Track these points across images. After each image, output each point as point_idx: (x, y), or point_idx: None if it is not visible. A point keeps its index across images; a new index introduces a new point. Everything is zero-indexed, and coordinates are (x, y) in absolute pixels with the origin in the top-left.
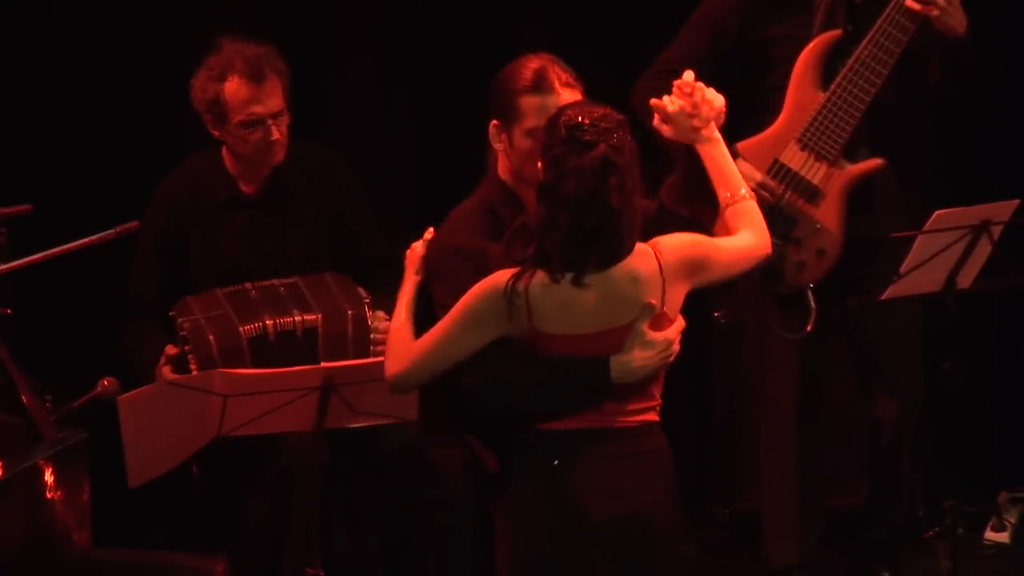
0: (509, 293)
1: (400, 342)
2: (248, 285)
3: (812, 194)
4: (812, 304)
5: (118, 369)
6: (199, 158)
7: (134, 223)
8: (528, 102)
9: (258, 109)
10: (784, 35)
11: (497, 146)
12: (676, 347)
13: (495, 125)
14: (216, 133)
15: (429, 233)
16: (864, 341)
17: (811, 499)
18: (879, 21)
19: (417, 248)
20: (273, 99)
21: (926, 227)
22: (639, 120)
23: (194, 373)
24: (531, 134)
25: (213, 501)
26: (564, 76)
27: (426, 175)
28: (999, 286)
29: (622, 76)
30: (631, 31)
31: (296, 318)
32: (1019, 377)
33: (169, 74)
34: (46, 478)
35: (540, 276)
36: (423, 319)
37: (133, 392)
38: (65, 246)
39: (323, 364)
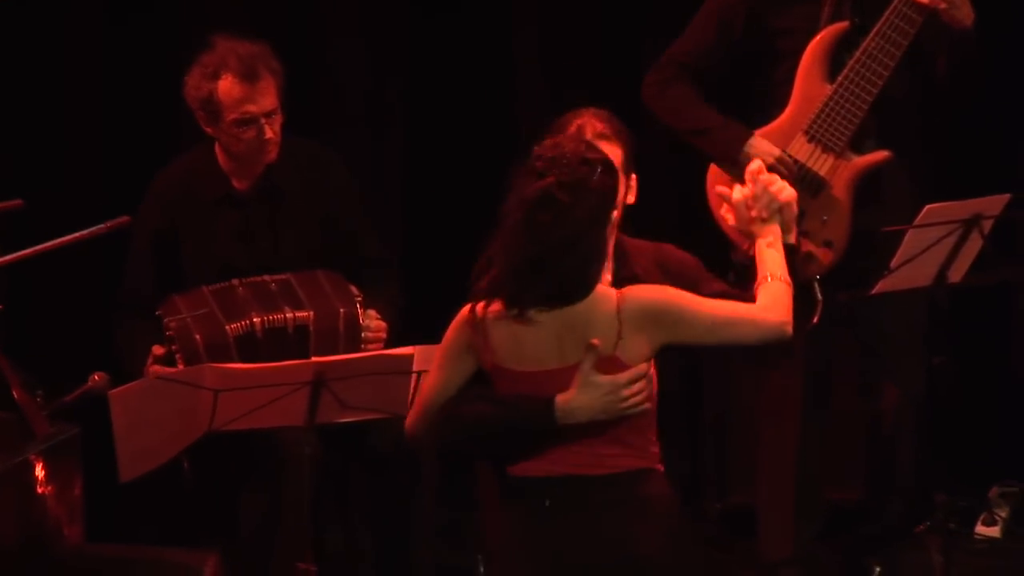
0: (472, 322)
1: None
2: (236, 282)
3: (819, 186)
4: (819, 296)
5: (109, 364)
6: (192, 155)
7: (125, 218)
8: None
9: (251, 108)
10: (791, 27)
11: None
12: (634, 397)
13: None
14: (209, 130)
15: None
16: (867, 334)
17: (809, 493)
18: (886, 13)
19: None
20: (267, 98)
21: (916, 221)
22: (649, 114)
23: None
24: None
25: (204, 496)
26: (600, 128)
27: (418, 176)
28: (990, 280)
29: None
30: (623, 33)
31: (287, 315)
32: (1010, 372)
33: (162, 68)
34: (37, 473)
35: (495, 308)
36: None
37: (124, 387)
38: (56, 241)
39: (313, 359)
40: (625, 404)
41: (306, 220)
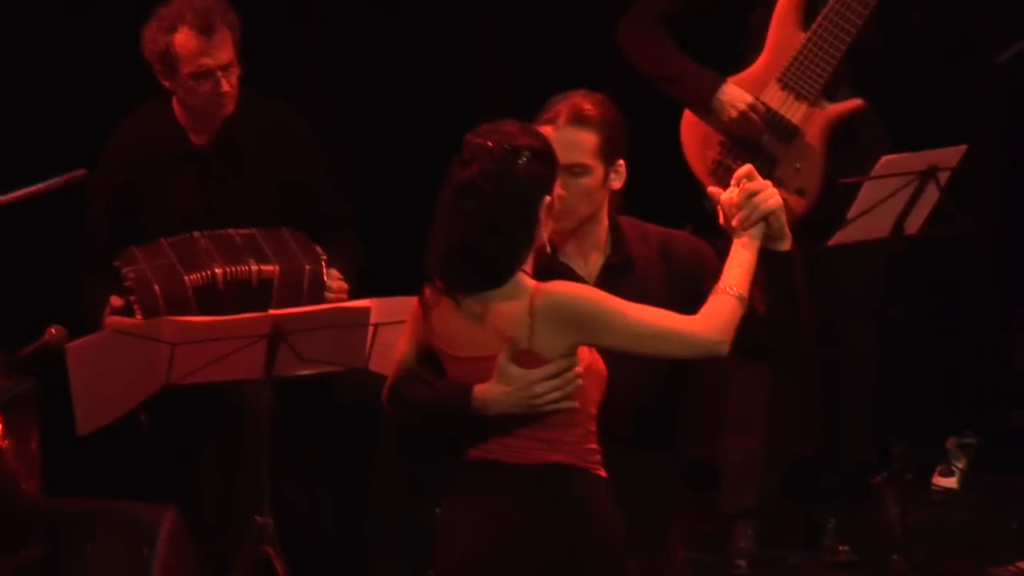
0: (422, 303)
1: None
2: (197, 234)
3: (792, 134)
4: None
5: (67, 318)
6: (149, 109)
7: (81, 171)
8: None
9: (208, 61)
10: None
11: None
12: (549, 394)
13: None
14: (167, 84)
15: None
16: (824, 284)
17: (776, 444)
18: None
19: None
20: (223, 51)
21: (873, 173)
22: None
23: None
24: None
25: (162, 450)
26: (579, 112)
27: (377, 135)
28: (947, 231)
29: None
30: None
31: (252, 268)
32: (967, 322)
33: (120, 20)
34: None
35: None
36: None
37: (81, 340)
38: (11, 194)
39: (271, 312)
40: (538, 400)
41: (265, 175)
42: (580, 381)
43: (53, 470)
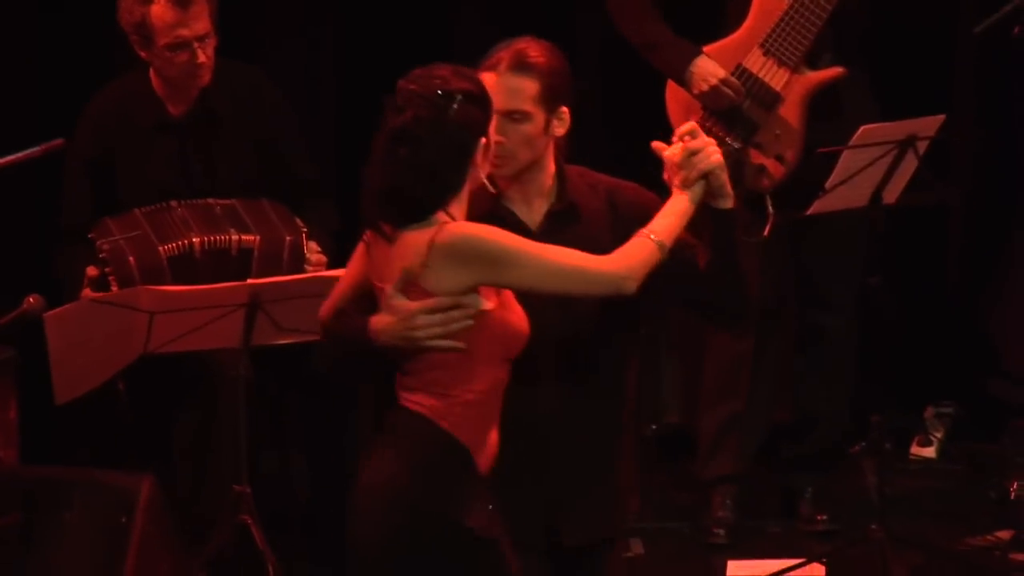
0: (364, 242)
1: None
2: (174, 203)
3: (773, 100)
4: (770, 209)
5: (44, 287)
6: (126, 79)
7: (59, 141)
8: (483, 78)
9: (184, 32)
10: None
11: None
12: (429, 328)
13: None
14: (143, 55)
15: None
16: (803, 253)
17: (755, 413)
18: None
19: None
20: (199, 22)
21: (851, 142)
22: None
23: None
24: None
25: (140, 419)
26: (521, 59)
27: (352, 102)
28: (925, 201)
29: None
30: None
31: (232, 237)
32: (944, 291)
33: None
34: None
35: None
36: None
37: (59, 309)
38: None
39: (249, 281)
40: (420, 334)
41: (242, 145)
42: (468, 322)
43: (31, 438)
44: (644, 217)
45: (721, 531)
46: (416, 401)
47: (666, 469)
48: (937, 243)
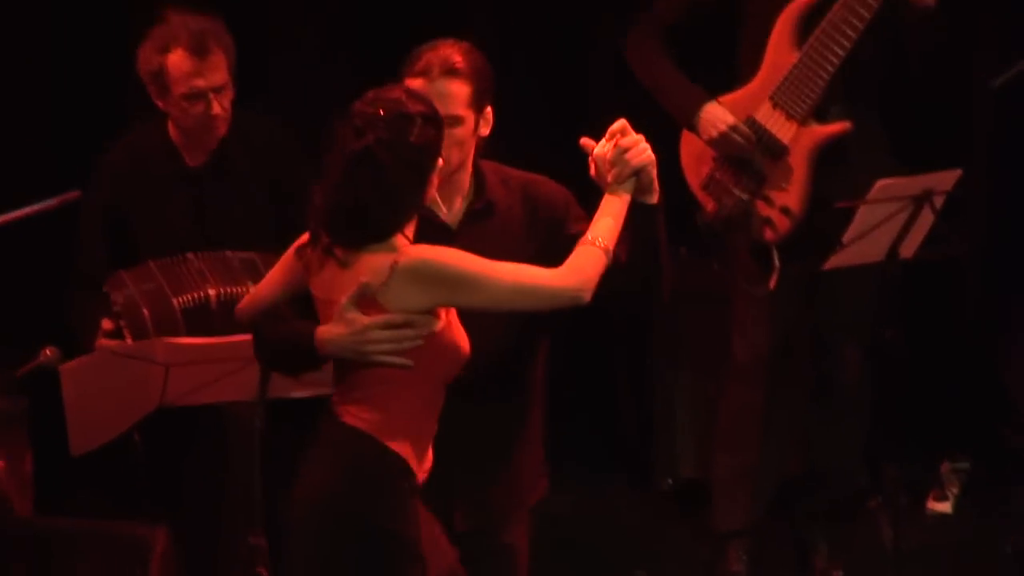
0: (300, 249)
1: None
2: (190, 255)
3: (781, 152)
4: (776, 262)
5: (61, 339)
6: (144, 129)
7: (75, 192)
8: (410, 84)
9: (200, 83)
10: None
11: None
12: (382, 344)
13: None
14: (160, 104)
15: None
16: (819, 306)
17: (767, 465)
18: None
19: None
20: (216, 73)
21: (868, 197)
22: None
23: None
24: None
25: (155, 470)
26: (451, 63)
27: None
28: (941, 255)
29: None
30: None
31: (249, 289)
32: (961, 345)
33: (113, 39)
34: None
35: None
36: None
37: (75, 361)
38: (6, 215)
39: None
40: (372, 348)
41: (258, 196)
42: (419, 341)
43: (46, 489)
44: (558, 210)
45: None
46: (356, 415)
47: (682, 522)
48: (952, 294)
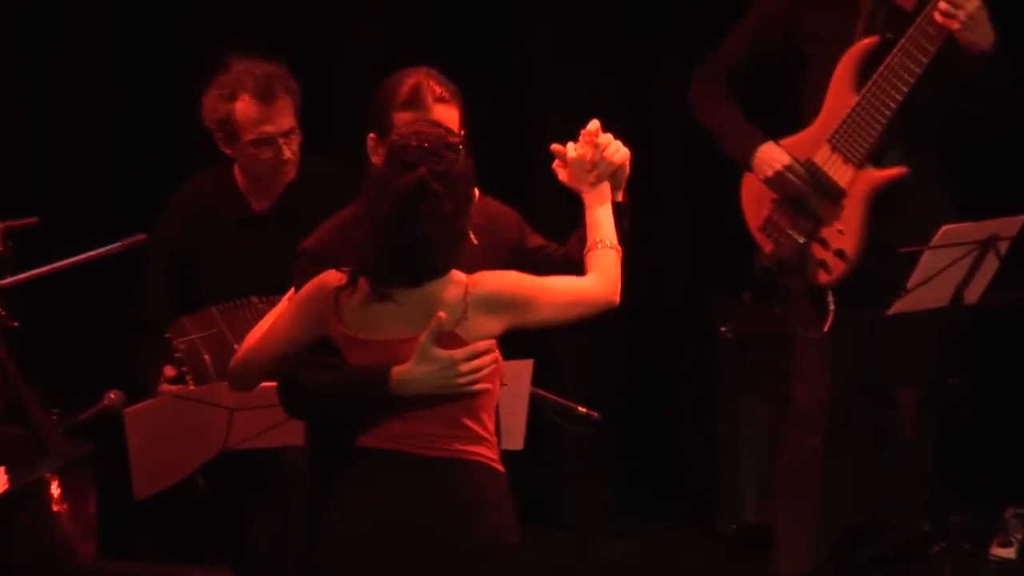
0: (324, 293)
1: (247, 338)
2: (254, 299)
3: (838, 196)
4: (831, 306)
5: (125, 382)
6: (210, 174)
7: (141, 236)
8: (401, 117)
9: (268, 128)
10: (826, 35)
11: (374, 158)
12: (470, 375)
13: (372, 138)
14: (228, 151)
15: None
16: (883, 352)
17: (829, 511)
18: (910, 29)
19: None
20: (283, 118)
21: (932, 242)
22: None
23: None
24: None
25: (218, 514)
26: (439, 91)
27: None
28: (1006, 301)
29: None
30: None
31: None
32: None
33: (178, 85)
34: (52, 491)
35: (350, 281)
36: None
37: (139, 405)
38: (72, 258)
39: None
40: (461, 380)
41: None
42: (496, 365)
43: (110, 533)
44: (512, 225)
45: None
46: (465, 450)
47: (745, 568)
48: (1018, 342)
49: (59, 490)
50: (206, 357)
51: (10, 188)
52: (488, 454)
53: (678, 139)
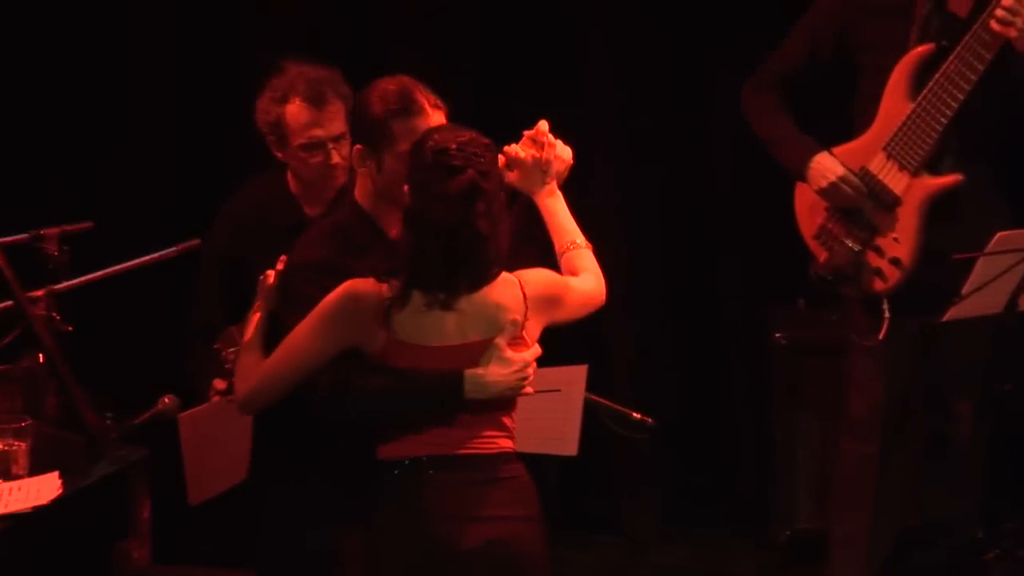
0: (371, 301)
1: (248, 364)
2: None
3: (893, 203)
4: (886, 313)
5: (179, 387)
6: (263, 179)
7: (195, 241)
8: (401, 125)
9: (318, 132)
10: (880, 43)
11: (361, 170)
12: (531, 375)
13: (360, 150)
14: (279, 155)
15: (281, 263)
16: (937, 359)
17: (884, 519)
18: (966, 37)
19: (269, 277)
20: (334, 123)
21: (987, 249)
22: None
23: None
24: (405, 157)
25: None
26: (432, 98)
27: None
28: None
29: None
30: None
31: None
32: None
33: (231, 90)
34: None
35: (398, 288)
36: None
37: (194, 409)
38: (127, 263)
39: None
40: (527, 381)
41: None
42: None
43: (164, 538)
44: None
45: None
46: (509, 446)
47: (799, 574)
48: None
49: (114, 495)
50: None
51: (65, 193)
52: (515, 447)
53: (732, 147)
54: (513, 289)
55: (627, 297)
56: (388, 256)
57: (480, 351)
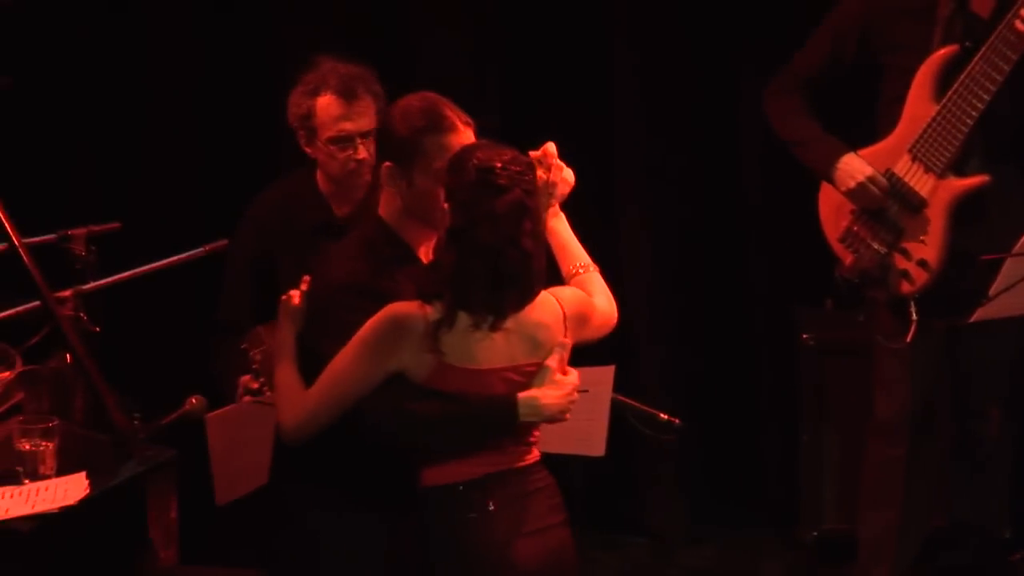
0: (417, 325)
1: (291, 391)
2: None
3: (919, 205)
4: (914, 315)
5: (206, 387)
6: (291, 179)
7: (223, 241)
8: (433, 141)
9: (347, 126)
10: (903, 44)
11: (391, 188)
12: (577, 398)
13: (389, 167)
14: (308, 151)
15: (305, 283)
16: (964, 360)
17: (912, 519)
18: (991, 38)
19: (293, 297)
20: (364, 118)
21: (1015, 250)
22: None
23: None
24: (438, 174)
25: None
26: (462, 115)
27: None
28: None
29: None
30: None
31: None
32: None
33: (260, 90)
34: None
35: (444, 310)
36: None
37: (221, 410)
38: (154, 264)
39: None
40: (574, 404)
41: None
42: None
43: (191, 538)
44: None
45: None
46: (537, 454)
47: (826, 574)
48: None
49: (141, 495)
50: None
51: (93, 193)
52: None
53: (761, 148)
54: (552, 307)
55: (655, 298)
56: (425, 276)
57: (527, 373)
